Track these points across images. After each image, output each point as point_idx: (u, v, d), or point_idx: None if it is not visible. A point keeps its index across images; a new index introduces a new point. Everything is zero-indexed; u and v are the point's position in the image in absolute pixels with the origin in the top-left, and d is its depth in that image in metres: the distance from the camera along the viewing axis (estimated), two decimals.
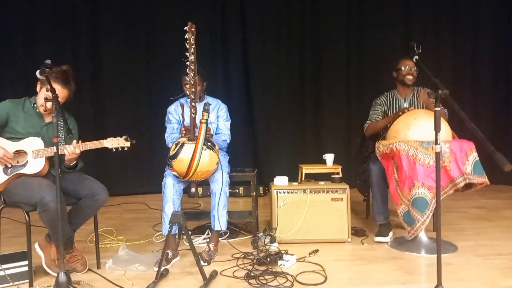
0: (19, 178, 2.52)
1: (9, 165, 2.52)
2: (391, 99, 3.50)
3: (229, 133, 3.27)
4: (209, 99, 3.26)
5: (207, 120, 2.82)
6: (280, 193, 3.14)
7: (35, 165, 2.53)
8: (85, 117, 4.96)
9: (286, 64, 5.51)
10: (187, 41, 2.85)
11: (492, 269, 2.62)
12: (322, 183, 3.25)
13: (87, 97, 5.18)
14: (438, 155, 2.07)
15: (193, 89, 2.89)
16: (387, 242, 3.14)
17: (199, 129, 2.80)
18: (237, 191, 5.06)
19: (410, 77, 3.38)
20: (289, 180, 3.28)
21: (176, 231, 2.90)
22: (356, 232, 3.30)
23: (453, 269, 2.61)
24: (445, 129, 2.99)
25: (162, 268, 2.51)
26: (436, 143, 2.06)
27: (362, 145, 3.64)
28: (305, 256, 2.85)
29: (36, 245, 2.62)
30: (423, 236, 3.01)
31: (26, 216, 2.45)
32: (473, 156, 2.87)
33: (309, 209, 3.11)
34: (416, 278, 2.55)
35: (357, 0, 5.51)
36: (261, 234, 3.16)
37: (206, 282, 2.38)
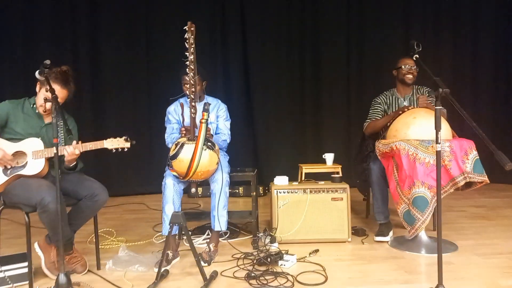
0: (19, 179, 2.51)
1: (9, 166, 2.51)
2: (390, 98, 3.49)
3: (229, 133, 3.27)
4: (209, 99, 3.26)
5: (207, 120, 2.81)
6: (280, 193, 3.14)
7: (34, 166, 2.52)
8: (84, 117, 4.97)
9: (286, 64, 5.51)
10: (187, 41, 2.84)
11: (492, 268, 2.62)
12: (322, 182, 3.25)
13: (87, 97, 5.17)
14: (439, 154, 2.06)
15: (193, 89, 2.89)
16: (387, 242, 3.14)
17: (199, 129, 2.80)
18: (237, 191, 5.05)
19: (410, 76, 3.38)
20: (289, 180, 3.28)
21: (176, 232, 2.89)
22: (356, 231, 3.30)
23: (453, 268, 2.61)
24: (445, 128, 2.99)
25: (162, 269, 2.50)
26: (437, 142, 2.05)
27: (362, 145, 3.64)
28: (306, 256, 2.85)
29: (36, 245, 2.61)
30: (423, 236, 3.01)
31: (26, 217, 2.44)
32: (473, 154, 2.87)
33: (309, 209, 3.11)
34: (417, 278, 2.55)
35: (357, 0, 5.50)
36: (261, 234, 3.16)
37: (207, 283, 2.38)
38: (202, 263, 2.57)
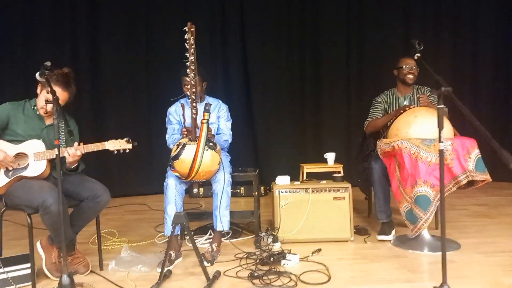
0: (20, 181, 2.51)
1: (10, 168, 2.51)
2: (391, 97, 3.49)
3: (231, 133, 3.27)
4: (209, 99, 3.25)
5: (208, 120, 2.81)
6: (282, 192, 3.14)
7: (36, 167, 2.52)
8: (84, 117, 4.97)
9: (286, 64, 5.51)
10: (187, 41, 2.84)
11: (495, 267, 2.62)
12: (324, 182, 3.25)
13: (87, 97, 5.17)
14: (441, 153, 2.06)
15: (194, 90, 2.88)
16: (389, 241, 3.14)
17: (200, 129, 2.80)
18: (238, 191, 5.05)
19: (411, 76, 3.38)
20: (290, 180, 3.27)
21: (179, 232, 2.89)
22: (359, 230, 3.30)
23: (456, 266, 2.60)
24: (447, 127, 2.99)
25: (165, 269, 2.50)
26: (440, 140, 2.05)
27: (363, 144, 3.64)
28: (308, 256, 2.85)
29: (38, 244, 2.61)
30: (426, 234, 3.01)
31: (28, 218, 2.44)
32: (475, 153, 2.87)
33: (311, 208, 3.11)
34: (419, 277, 2.55)
35: (357, 0, 5.51)
36: (264, 234, 3.16)
37: (210, 283, 2.38)
38: (205, 263, 2.56)
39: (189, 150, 2.77)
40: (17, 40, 5.05)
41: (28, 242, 2.45)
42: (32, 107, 2.63)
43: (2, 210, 2.56)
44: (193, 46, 2.84)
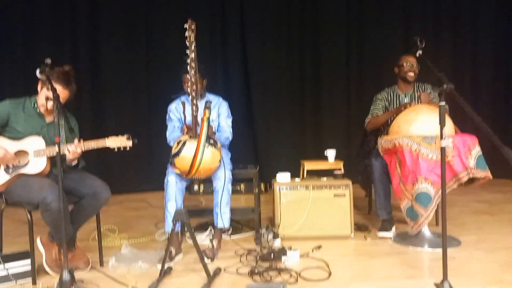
0: (21, 178, 2.51)
1: (10, 165, 2.51)
2: (391, 95, 3.50)
3: (231, 130, 3.26)
4: (210, 97, 3.25)
5: (209, 117, 2.81)
6: (282, 189, 3.14)
7: (36, 165, 2.52)
8: (85, 116, 4.96)
9: (286, 63, 5.52)
10: (187, 39, 2.84)
11: (495, 263, 2.62)
12: (325, 179, 3.25)
13: (87, 97, 5.16)
14: (443, 150, 2.06)
15: (194, 87, 2.88)
16: (390, 237, 3.14)
17: (201, 126, 2.80)
18: (239, 188, 5.03)
19: (412, 74, 3.38)
20: (291, 177, 3.27)
21: (179, 229, 2.89)
22: (359, 227, 3.30)
23: (457, 263, 2.60)
24: (448, 124, 2.99)
25: (166, 266, 2.50)
26: (441, 138, 2.05)
27: (364, 141, 3.65)
28: (309, 252, 2.85)
29: (38, 241, 2.60)
30: (426, 231, 3.01)
31: (28, 215, 2.44)
32: (476, 150, 2.87)
33: (311, 205, 3.11)
34: (420, 273, 2.55)
35: (357, 0, 5.52)
36: (264, 230, 3.16)
37: (210, 279, 2.38)
38: (206, 259, 2.57)
39: (190, 148, 2.77)
40: (17, 40, 5.04)
41: (28, 238, 2.45)
42: (33, 105, 2.63)
43: (3, 207, 2.56)
44: (193, 43, 2.84)
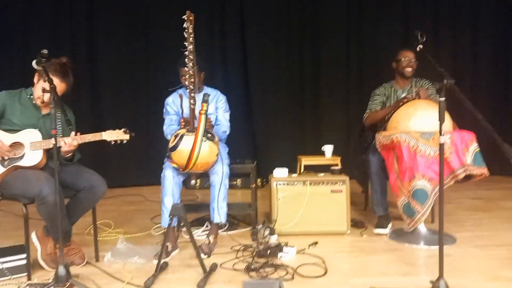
0: (16, 170, 2.48)
1: (6, 157, 2.48)
2: (389, 90, 3.49)
3: (229, 124, 3.24)
4: (208, 90, 3.22)
5: (206, 111, 2.78)
6: (279, 184, 3.13)
7: (32, 157, 2.49)
8: (82, 109, 4.92)
9: (286, 62, 5.51)
10: (186, 30, 2.80)
11: (491, 260, 2.63)
12: (322, 174, 3.24)
13: (85, 90, 5.14)
14: (442, 147, 2.05)
15: (192, 80, 2.85)
16: (386, 234, 3.14)
17: (199, 120, 2.77)
18: (235, 182, 5.04)
19: (410, 69, 3.37)
20: (288, 172, 3.26)
21: (176, 224, 2.88)
22: (355, 224, 3.30)
23: (452, 260, 2.61)
24: (447, 120, 2.98)
25: (162, 261, 2.49)
26: (440, 134, 2.04)
27: (361, 136, 3.64)
28: (305, 248, 2.85)
29: (33, 235, 2.58)
30: (422, 228, 3.02)
31: (24, 208, 2.42)
32: (474, 146, 2.87)
33: (308, 201, 3.10)
34: (416, 270, 2.56)
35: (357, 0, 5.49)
36: (261, 226, 3.15)
37: (207, 275, 2.37)
38: (202, 255, 2.56)
39: (187, 141, 2.74)
40: (16, 40, 5.01)
41: (23, 232, 2.42)
42: (28, 96, 2.60)
43: None
44: (191, 35, 2.81)
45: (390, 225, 3.22)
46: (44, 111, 2.62)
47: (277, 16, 5.45)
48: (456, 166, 2.83)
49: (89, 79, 5.18)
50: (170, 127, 3.16)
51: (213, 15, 5.36)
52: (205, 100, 2.77)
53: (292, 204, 3.11)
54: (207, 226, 3.28)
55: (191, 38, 2.80)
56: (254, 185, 3.18)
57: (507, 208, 3.92)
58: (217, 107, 3.23)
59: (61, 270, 2.17)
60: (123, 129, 2.57)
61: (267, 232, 3.05)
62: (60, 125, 2.58)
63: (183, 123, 2.96)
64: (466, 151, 2.84)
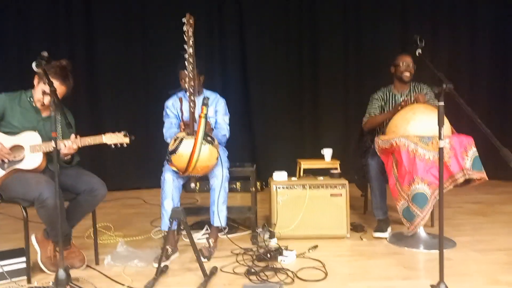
0: (16, 173, 2.48)
1: (6, 160, 2.48)
2: (387, 94, 3.50)
3: (228, 128, 3.24)
4: (207, 93, 3.23)
5: (206, 114, 2.78)
6: (279, 188, 3.13)
7: (32, 160, 2.49)
8: (81, 112, 4.91)
9: (285, 63, 5.51)
10: (185, 33, 2.80)
11: (490, 264, 2.63)
12: (321, 178, 3.24)
13: (84, 93, 5.13)
14: (441, 151, 2.06)
15: (192, 83, 2.85)
16: (386, 238, 3.14)
17: (198, 123, 2.77)
18: (234, 186, 5.04)
19: (408, 74, 3.38)
20: (287, 176, 3.26)
21: (175, 227, 2.88)
22: (355, 227, 3.30)
23: (452, 264, 2.61)
24: (445, 124, 2.99)
25: (162, 264, 2.49)
26: (440, 138, 2.05)
27: (360, 140, 3.65)
28: (305, 252, 2.85)
29: (33, 238, 2.58)
30: (421, 232, 3.02)
31: (24, 211, 2.41)
32: (473, 151, 2.88)
33: (308, 205, 3.10)
34: (416, 274, 2.56)
35: (355, 0, 5.50)
36: (260, 229, 3.15)
37: (207, 279, 2.37)
38: (202, 258, 2.55)
39: (187, 144, 2.75)
40: (15, 40, 5.01)
41: (23, 235, 2.42)
42: (28, 98, 2.60)
43: None
44: (191, 38, 2.81)
45: (389, 229, 3.22)
46: (44, 113, 2.61)
47: (276, 16, 5.46)
48: (455, 170, 2.83)
49: (88, 80, 5.18)
50: (169, 130, 3.16)
51: (212, 15, 5.37)
52: (204, 103, 2.77)
53: (291, 208, 3.11)
54: (207, 230, 3.28)
55: (190, 41, 2.81)
56: (253, 189, 3.18)
57: (506, 213, 3.92)
58: (217, 110, 3.23)
59: (61, 273, 2.16)
60: (123, 132, 2.57)
61: (267, 235, 3.05)
62: (60, 128, 2.57)
63: (182, 127, 2.96)
64: (465, 155, 2.85)
